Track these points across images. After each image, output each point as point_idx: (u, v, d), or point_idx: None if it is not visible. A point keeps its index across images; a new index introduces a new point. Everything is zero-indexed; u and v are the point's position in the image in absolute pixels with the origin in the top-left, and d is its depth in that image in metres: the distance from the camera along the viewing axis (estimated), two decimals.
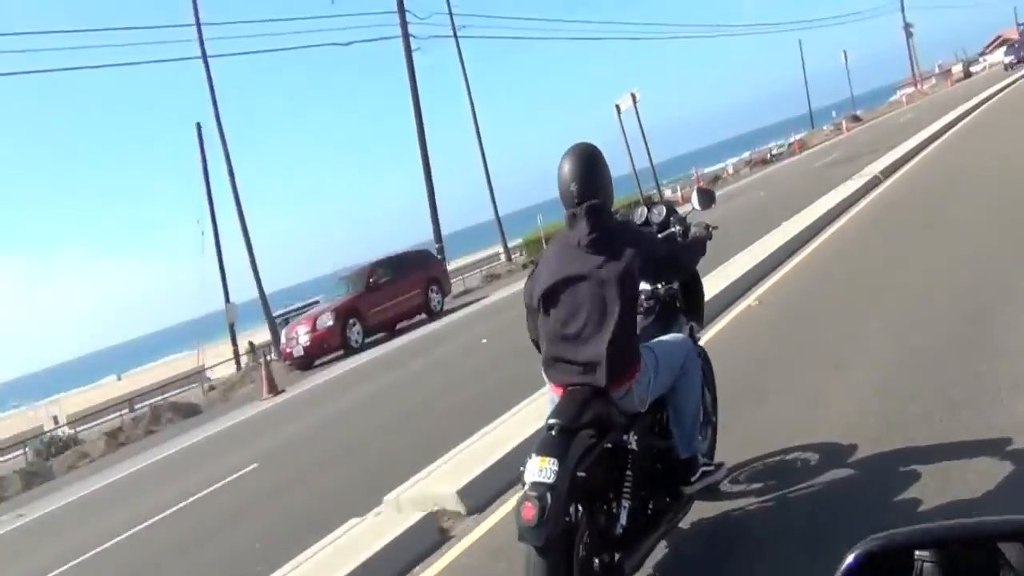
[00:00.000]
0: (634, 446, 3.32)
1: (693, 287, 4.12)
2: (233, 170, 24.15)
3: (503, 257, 32.27)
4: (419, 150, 27.68)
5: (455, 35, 30.58)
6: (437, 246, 26.80)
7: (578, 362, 3.27)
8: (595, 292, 3.28)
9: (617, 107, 24.77)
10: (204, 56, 23.75)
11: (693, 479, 3.52)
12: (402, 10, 27.88)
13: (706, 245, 3.89)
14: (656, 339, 3.66)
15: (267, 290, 25.20)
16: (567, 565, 2.97)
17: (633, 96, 24.32)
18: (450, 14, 30.64)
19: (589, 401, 3.20)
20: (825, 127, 50.68)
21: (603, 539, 3.14)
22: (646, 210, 4.23)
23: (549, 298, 3.37)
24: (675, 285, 4.01)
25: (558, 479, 2.89)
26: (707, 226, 3.94)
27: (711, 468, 3.65)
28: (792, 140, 45.35)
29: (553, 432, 3.09)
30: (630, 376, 3.29)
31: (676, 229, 3.96)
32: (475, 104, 30.15)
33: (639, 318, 3.70)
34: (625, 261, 3.27)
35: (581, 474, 3.01)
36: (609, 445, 3.23)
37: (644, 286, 3.77)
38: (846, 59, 52.21)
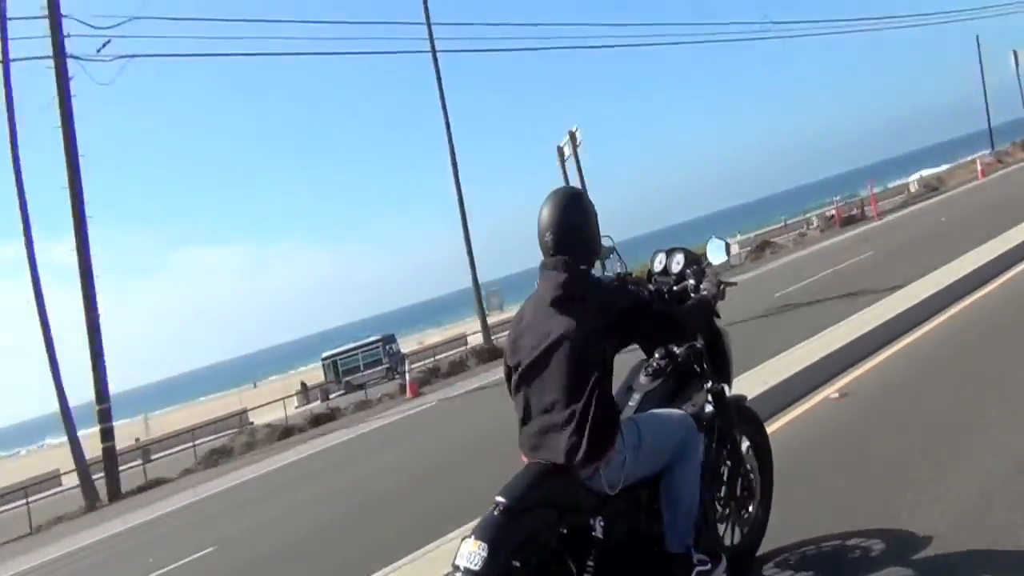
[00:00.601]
0: (600, 533, 2.94)
1: (716, 344, 3.60)
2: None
3: (477, 338, 27.65)
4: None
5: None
6: None
7: (541, 433, 3.00)
8: (561, 356, 2.97)
9: None
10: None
11: None
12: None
13: (712, 305, 3.45)
14: (651, 411, 3.30)
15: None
16: None
17: None
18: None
19: (544, 478, 2.89)
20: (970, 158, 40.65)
21: None
22: (664, 257, 3.80)
23: (521, 359, 3.08)
24: (698, 343, 3.55)
25: (484, 567, 2.60)
26: (720, 283, 3.52)
27: (707, 567, 3.19)
28: (833, 208, 32.92)
29: (495, 512, 2.77)
30: (600, 454, 2.95)
31: (688, 284, 3.59)
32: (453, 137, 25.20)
33: (645, 380, 3.46)
34: (592, 322, 2.96)
35: (516, 563, 2.67)
36: (564, 531, 2.89)
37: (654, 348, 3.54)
38: (1017, 62, 39.65)
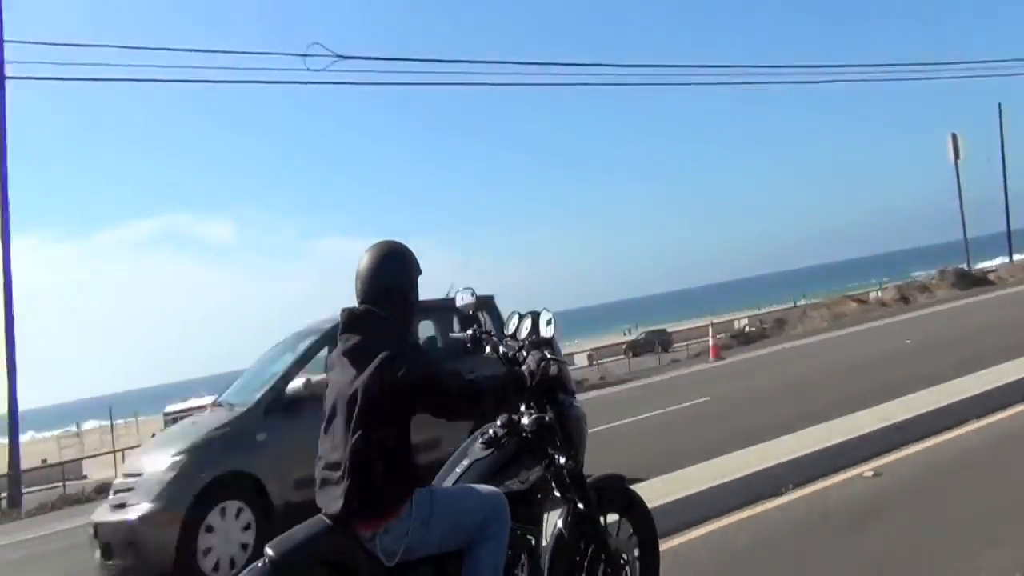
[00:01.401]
0: None
1: (562, 420, 3.33)
2: None
3: None
4: None
5: None
6: None
7: (323, 484, 2.91)
8: (347, 410, 2.87)
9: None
10: None
11: None
12: None
13: (525, 382, 3.17)
14: (458, 486, 3.14)
15: None
16: None
17: None
18: None
19: (321, 534, 2.79)
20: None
21: None
22: (518, 320, 3.53)
23: (326, 406, 3.02)
24: (547, 416, 3.29)
25: None
26: (542, 359, 3.24)
27: None
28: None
29: (262, 563, 2.72)
30: (377, 518, 2.83)
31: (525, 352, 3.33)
32: None
33: (479, 448, 3.27)
34: (382, 381, 2.83)
35: None
36: None
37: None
38: (1001, 117, 34.13)
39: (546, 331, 3.42)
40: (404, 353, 2.89)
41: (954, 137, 30.85)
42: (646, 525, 3.70)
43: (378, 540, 2.83)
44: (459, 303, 3.47)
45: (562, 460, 3.31)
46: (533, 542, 3.24)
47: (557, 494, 3.33)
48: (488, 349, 3.50)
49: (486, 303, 3.29)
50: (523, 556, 3.20)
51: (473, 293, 3.30)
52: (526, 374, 3.18)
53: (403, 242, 3.18)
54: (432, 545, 2.92)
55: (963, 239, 31.96)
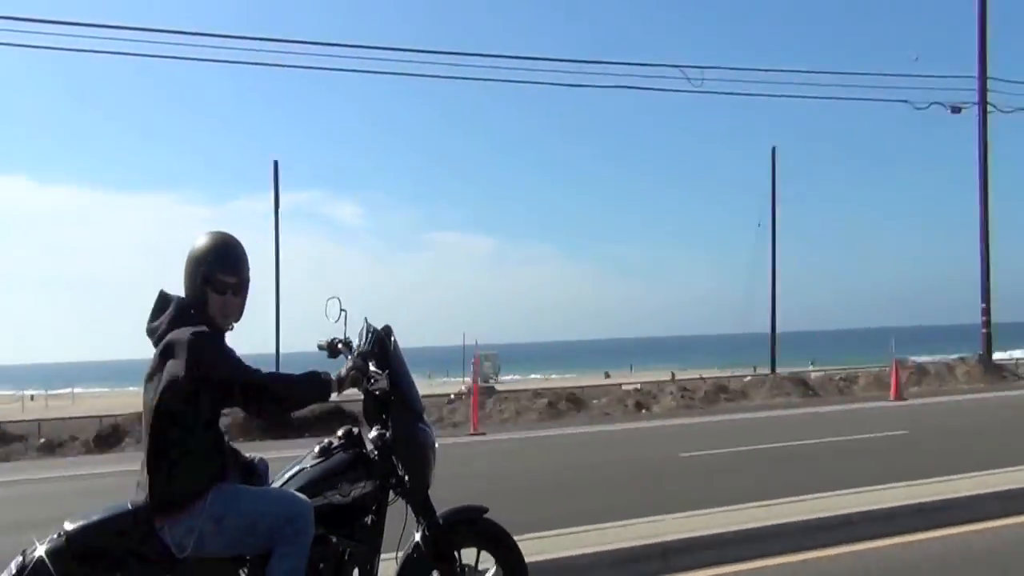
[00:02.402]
0: None
1: (401, 439, 3.28)
2: None
3: None
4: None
5: None
6: None
7: (140, 472, 2.99)
8: (151, 403, 2.94)
9: None
10: None
11: None
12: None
13: (329, 388, 3.10)
14: (262, 488, 3.13)
15: None
16: None
17: None
18: None
19: (119, 518, 2.91)
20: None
21: None
22: (365, 326, 3.46)
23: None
24: (388, 433, 3.30)
25: None
26: (352, 370, 3.18)
27: None
28: None
29: (57, 535, 2.85)
30: (164, 511, 2.90)
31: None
32: None
33: (312, 457, 3.26)
34: (178, 375, 2.87)
35: None
36: None
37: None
38: (775, 162, 29.54)
39: (389, 347, 3.39)
40: (205, 350, 2.91)
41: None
42: (510, 559, 3.57)
43: (168, 531, 2.91)
44: (327, 311, 3.46)
45: (405, 483, 3.31)
46: (347, 555, 3.21)
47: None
48: (342, 357, 3.49)
49: (379, 331, 3.36)
50: (338, 568, 3.19)
51: (339, 304, 3.38)
52: (332, 379, 3.13)
53: (235, 237, 3.17)
54: (225, 543, 2.96)
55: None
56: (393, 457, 3.30)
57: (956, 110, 22.75)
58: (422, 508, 3.39)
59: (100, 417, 20.72)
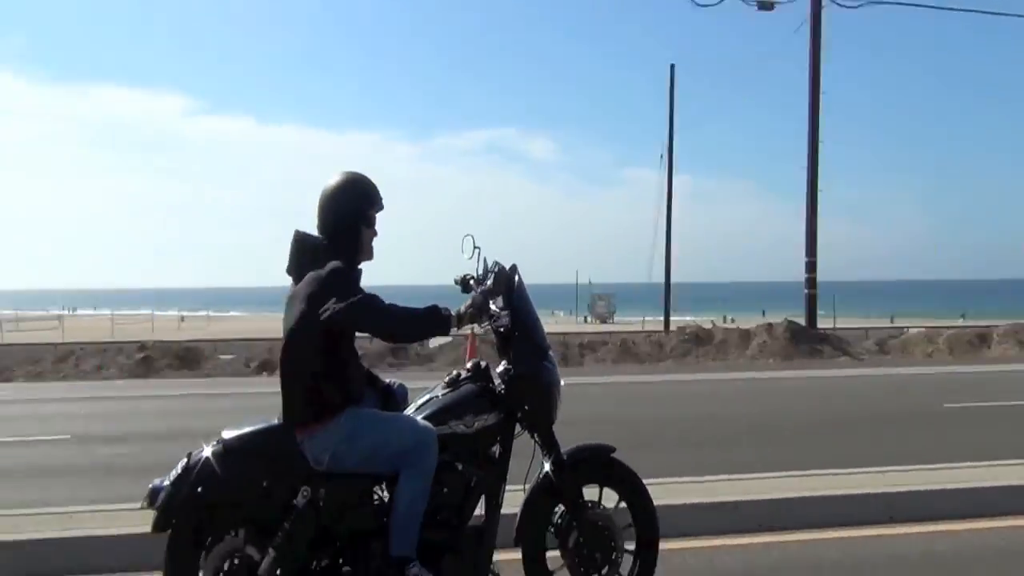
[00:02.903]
0: (300, 502, 3.11)
1: (525, 377, 3.34)
2: None
3: None
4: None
5: None
6: None
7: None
8: (290, 328, 3.22)
9: None
10: None
11: None
12: None
13: (445, 324, 3.19)
14: (391, 414, 3.32)
15: None
16: (186, 558, 3.16)
17: None
18: None
19: (270, 431, 3.21)
20: None
21: (239, 569, 3.16)
22: (487, 267, 3.49)
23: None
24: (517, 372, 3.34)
25: (176, 477, 3.11)
26: (471, 306, 3.25)
27: None
28: None
29: (215, 443, 3.17)
30: (303, 425, 3.16)
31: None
32: None
33: (441, 386, 3.42)
34: (312, 302, 3.12)
35: (198, 490, 3.09)
36: (265, 483, 3.13)
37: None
38: (673, 82, 27.77)
39: (513, 286, 3.42)
40: (338, 283, 3.12)
41: None
42: (637, 499, 3.56)
43: (306, 445, 3.15)
44: (463, 247, 3.54)
45: (525, 420, 3.37)
46: (473, 482, 3.30)
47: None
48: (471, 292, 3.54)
49: (505, 269, 3.41)
50: (465, 494, 3.28)
51: (473, 242, 3.46)
52: (452, 314, 3.22)
53: (366, 176, 3.34)
54: (356, 461, 3.16)
55: None
56: (517, 392, 3.35)
57: (766, 6, 18.49)
58: (547, 443, 3.43)
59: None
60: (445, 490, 3.22)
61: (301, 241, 3.30)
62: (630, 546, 3.55)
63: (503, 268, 3.42)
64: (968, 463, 5.95)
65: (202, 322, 59.26)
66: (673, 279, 30.78)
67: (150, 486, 3.19)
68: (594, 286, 57.47)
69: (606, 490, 3.57)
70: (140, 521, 3.69)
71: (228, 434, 3.22)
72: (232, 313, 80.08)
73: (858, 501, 5.13)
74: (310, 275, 3.19)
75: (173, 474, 3.17)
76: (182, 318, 62.19)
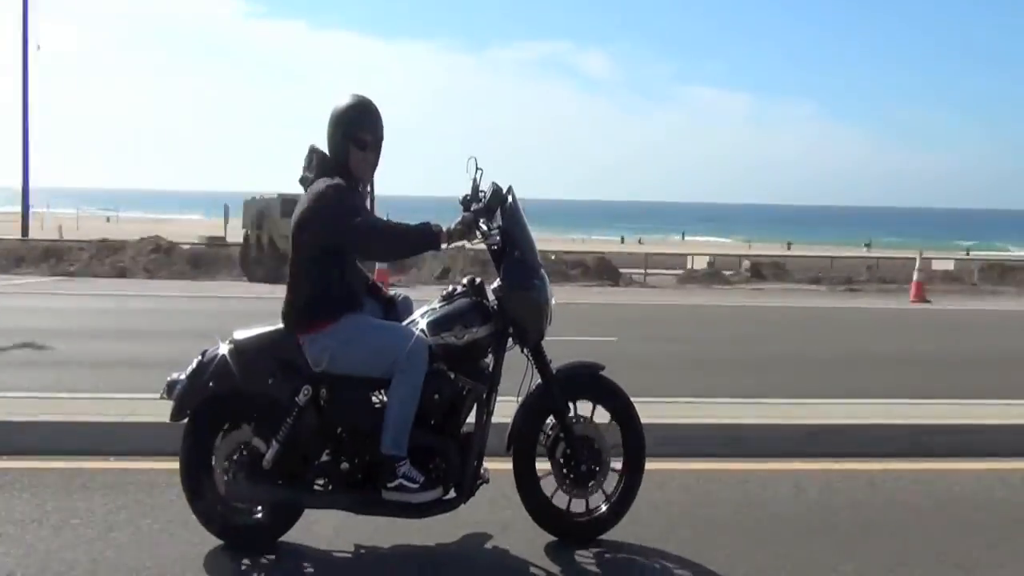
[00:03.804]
0: (301, 400, 3.36)
1: (514, 293, 3.50)
2: None
3: None
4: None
5: None
6: None
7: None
8: (293, 238, 3.44)
9: None
10: None
11: (389, 484, 3.32)
12: None
13: (435, 239, 3.36)
14: (386, 321, 3.54)
15: None
16: (203, 447, 3.48)
17: None
18: None
19: (275, 334, 3.44)
20: None
21: (247, 458, 3.44)
22: (487, 188, 3.55)
23: None
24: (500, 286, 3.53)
25: (191, 372, 3.42)
26: (462, 223, 3.42)
27: (414, 486, 3.33)
28: None
29: (227, 342, 3.44)
30: (301, 328, 3.38)
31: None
32: None
33: (437, 299, 3.60)
34: (299, 213, 3.38)
35: (211, 384, 3.39)
36: (271, 381, 3.38)
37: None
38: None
39: (506, 205, 3.54)
40: (334, 198, 3.30)
41: None
42: (626, 418, 3.70)
43: (307, 347, 3.37)
44: (467, 168, 3.64)
45: (511, 329, 3.53)
46: (465, 391, 3.49)
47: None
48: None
49: (500, 189, 3.55)
50: (455, 401, 3.48)
51: (476, 164, 3.54)
52: (443, 231, 3.38)
53: (368, 100, 3.50)
54: (352, 365, 3.39)
55: None
56: (507, 307, 3.50)
57: None
58: (536, 358, 3.60)
59: None
60: (436, 396, 3.41)
61: (311, 155, 3.48)
62: (617, 464, 3.71)
63: (498, 188, 3.53)
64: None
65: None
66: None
67: (167, 379, 3.45)
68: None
69: (598, 409, 3.71)
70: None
71: (239, 335, 3.46)
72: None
73: None
74: (308, 190, 3.39)
75: (189, 369, 3.42)
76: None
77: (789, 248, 42.45)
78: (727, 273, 19.40)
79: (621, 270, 18.82)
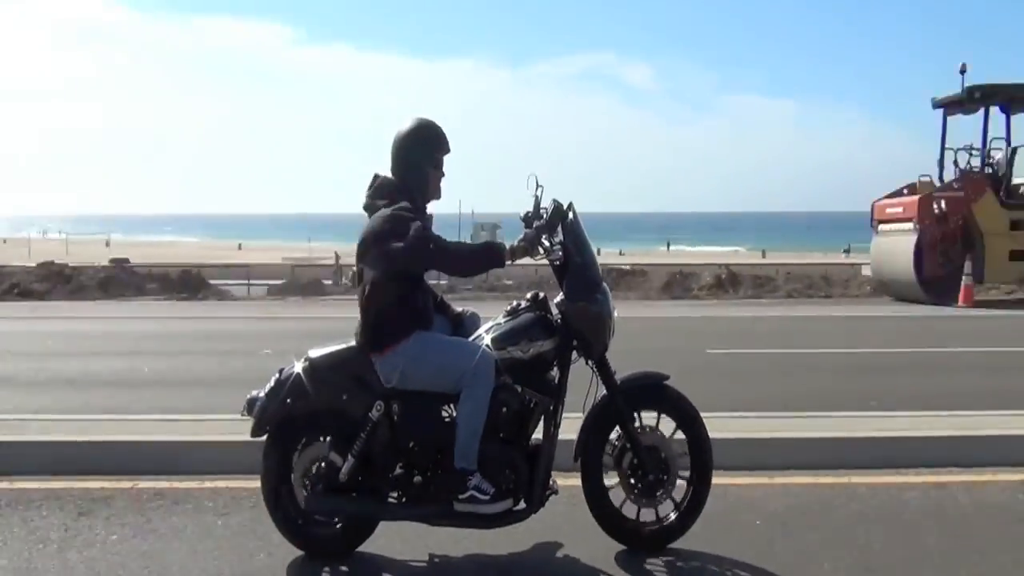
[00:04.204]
0: (374, 416, 3.48)
1: (578, 308, 3.59)
2: None
3: None
4: None
5: None
6: None
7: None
8: (362, 259, 3.58)
9: None
10: None
11: (461, 496, 3.42)
12: None
13: (499, 257, 3.51)
14: (454, 338, 3.65)
15: None
16: (282, 462, 3.62)
17: None
18: None
19: (349, 352, 3.58)
20: None
21: (324, 472, 3.56)
22: (544, 204, 3.67)
23: None
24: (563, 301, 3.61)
25: (269, 390, 3.56)
26: (525, 240, 3.55)
27: (485, 498, 3.41)
28: None
29: (303, 360, 3.59)
30: (374, 347, 3.50)
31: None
32: None
33: (502, 314, 3.69)
34: (367, 235, 3.51)
35: (288, 400, 3.53)
36: (345, 397, 3.52)
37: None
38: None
39: (567, 222, 3.63)
40: (402, 221, 3.43)
41: None
42: (691, 427, 3.74)
43: (378, 365, 3.50)
44: (527, 185, 3.75)
45: (575, 342, 3.62)
46: (532, 404, 3.58)
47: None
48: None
49: (560, 206, 3.65)
50: (523, 414, 3.58)
51: (536, 181, 3.65)
52: (506, 249, 3.52)
53: (434, 121, 3.65)
54: (423, 380, 3.50)
55: None
56: (570, 321, 3.59)
57: None
58: (601, 370, 3.67)
59: None
60: (504, 410, 3.50)
61: (377, 182, 3.63)
62: (684, 474, 3.75)
63: (559, 205, 3.62)
64: None
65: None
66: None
67: (247, 397, 3.60)
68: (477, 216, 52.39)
69: (664, 418, 3.76)
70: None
71: (314, 353, 3.60)
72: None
73: None
74: (377, 214, 3.52)
75: (267, 387, 3.57)
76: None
77: (764, 256, 41.59)
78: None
79: None
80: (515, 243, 3.56)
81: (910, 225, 14.61)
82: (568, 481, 3.79)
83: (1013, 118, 15.47)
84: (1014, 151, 15.01)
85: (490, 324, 3.70)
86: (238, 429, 4.09)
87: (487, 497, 3.41)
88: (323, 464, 3.57)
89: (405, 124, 3.64)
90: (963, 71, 14.79)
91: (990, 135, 15.15)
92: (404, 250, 3.41)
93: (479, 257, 3.54)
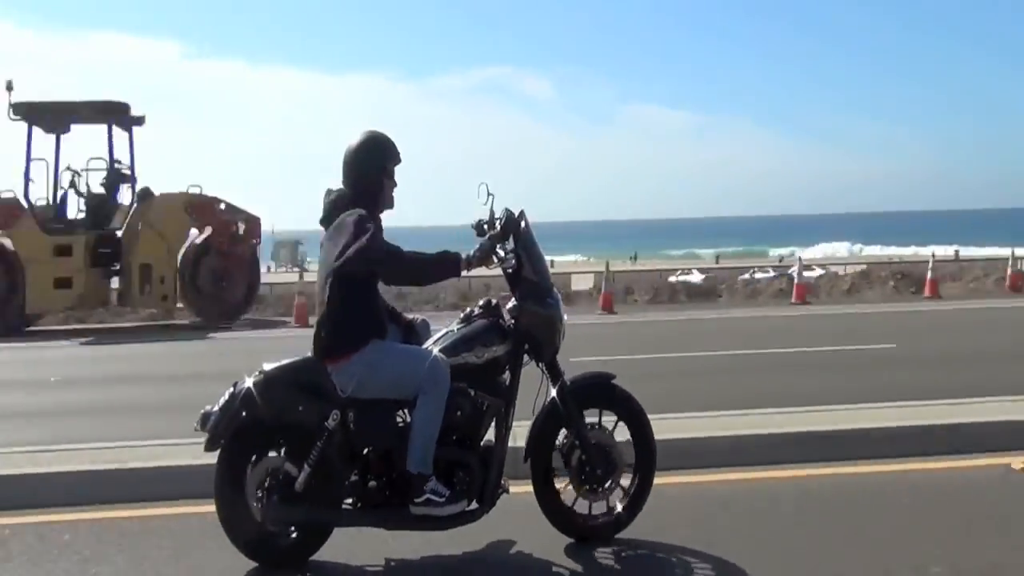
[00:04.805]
0: (330, 424, 3.53)
1: (528, 312, 3.73)
2: None
3: None
4: None
5: None
6: None
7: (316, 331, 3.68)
8: (321, 270, 3.66)
9: None
10: None
11: (417, 500, 3.50)
12: None
13: (456, 267, 3.60)
14: (408, 346, 3.73)
15: None
16: (235, 472, 3.63)
17: None
18: None
19: (305, 363, 3.63)
20: None
21: (280, 482, 3.60)
22: (496, 214, 3.81)
23: None
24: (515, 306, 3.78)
25: (223, 403, 3.57)
26: (479, 250, 3.67)
27: (441, 500, 3.51)
28: None
29: (257, 373, 3.60)
30: (331, 356, 3.57)
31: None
32: None
33: (456, 321, 3.80)
34: (332, 245, 3.55)
35: (243, 414, 3.55)
36: (300, 408, 3.56)
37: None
38: None
39: (520, 230, 3.77)
40: (362, 230, 3.49)
41: None
42: (635, 420, 3.92)
43: (334, 374, 3.56)
44: (478, 194, 3.89)
45: (527, 346, 3.76)
46: (484, 407, 3.71)
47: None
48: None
49: (513, 215, 3.81)
50: (475, 417, 3.70)
51: (487, 189, 3.78)
52: (462, 258, 3.62)
53: (384, 133, 3.75)
54: (379, 388, 3.58)
55: None
56: (523, 326, 3.73)
57: None
58: (552, 371, 3.83)
59: None
60: (459, 413, 3.62)
61: (332, 195, 3.71)
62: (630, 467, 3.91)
63: (512, 214, 3.77)
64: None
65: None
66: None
67: (201, 412, 3.62)
68: (277, 234, 49.83)
69: (606, 414, 3.93)
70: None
71: (268, 366, 3.64)
72: None
73: None
74: (335, 223, 3.59)
75: (221, 401, 3.60)
76: None
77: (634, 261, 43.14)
78: None
79: None
80: (471, 253, 3.67)
81: None
82: (518, 488, 3.89)
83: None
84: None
85: (444, 331, 3.80)
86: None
87: (443, 499, 3.51)
88: (279, 475, 3.62)
89: (356, 138, 3.72)
90: (10, 88, 13.75)
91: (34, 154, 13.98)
92: (360, 256, 3.44)
93: (437, 266, 3.63)
